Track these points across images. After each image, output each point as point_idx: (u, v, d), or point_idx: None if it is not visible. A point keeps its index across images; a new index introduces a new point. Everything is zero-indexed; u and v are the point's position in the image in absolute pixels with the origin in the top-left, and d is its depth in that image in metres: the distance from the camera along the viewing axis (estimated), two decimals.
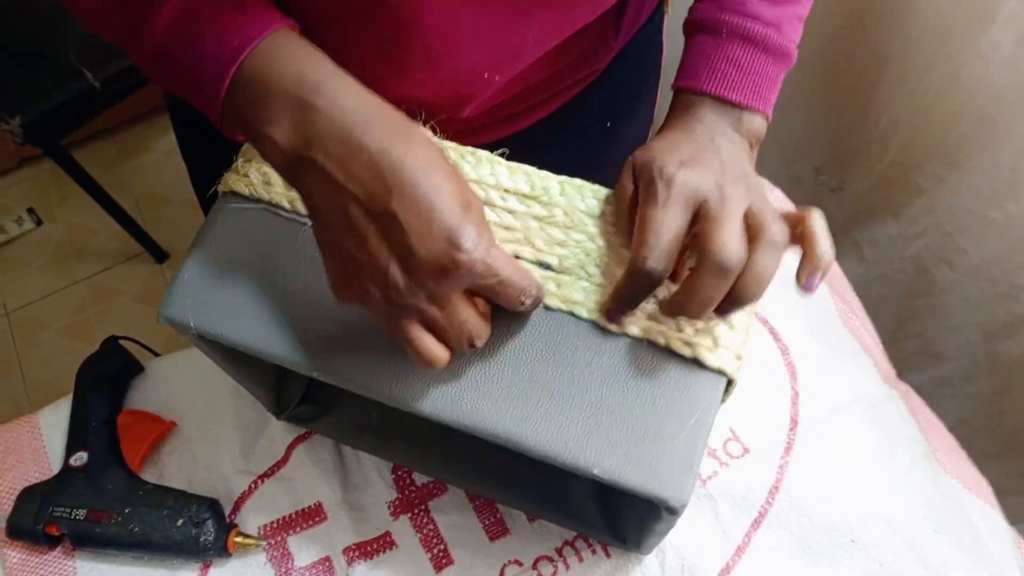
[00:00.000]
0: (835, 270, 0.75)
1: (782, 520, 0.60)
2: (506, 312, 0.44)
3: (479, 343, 0.41)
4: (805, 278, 0.43)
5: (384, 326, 0.40)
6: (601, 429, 0.41)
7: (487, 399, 0.42)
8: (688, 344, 0.43)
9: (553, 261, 0.46)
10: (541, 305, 0.44)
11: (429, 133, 0.43)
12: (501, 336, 0.44)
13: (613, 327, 0.44)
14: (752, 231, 0.42)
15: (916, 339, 0.91)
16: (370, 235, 0.37)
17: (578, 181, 0.48)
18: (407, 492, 0.63)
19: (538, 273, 0.45)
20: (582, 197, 0.48)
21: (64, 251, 1.77)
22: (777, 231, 0.42)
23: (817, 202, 0.99)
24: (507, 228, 0.47)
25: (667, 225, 0.42)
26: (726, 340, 0.44)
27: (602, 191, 0.48)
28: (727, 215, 0.41)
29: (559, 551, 0.60)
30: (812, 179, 1.00)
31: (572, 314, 0.44)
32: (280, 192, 0.48)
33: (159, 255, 1.70)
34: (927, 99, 0.79)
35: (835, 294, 0.72)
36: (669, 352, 0.43)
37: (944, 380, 0.90)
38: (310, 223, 0.46)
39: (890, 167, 0.87)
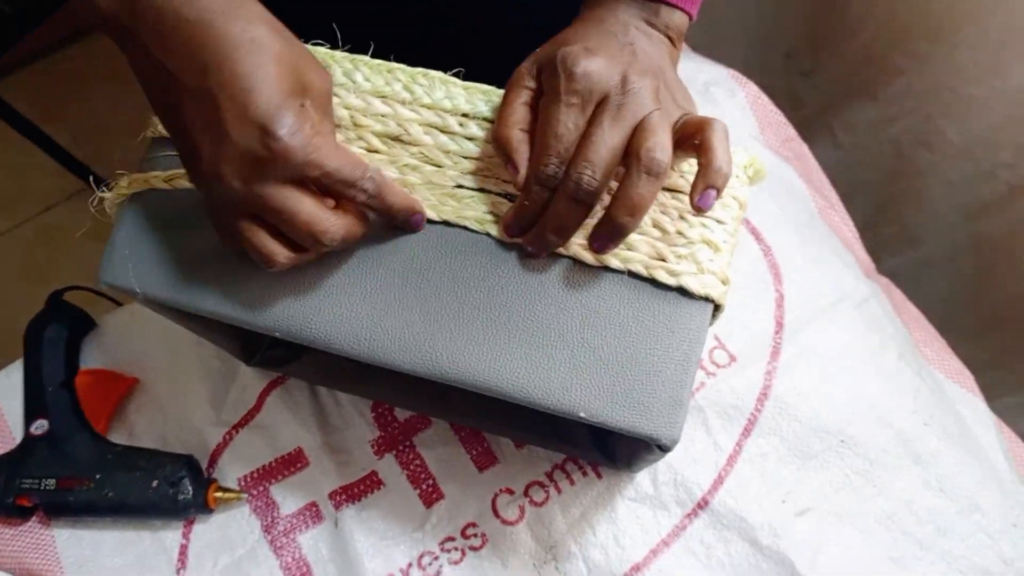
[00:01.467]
0: (811, 163, 0.72)
1: (772, 426, 0.59)
2: (474, 254, 0.41)
3: (327, 239, 0.38)
4: (699, 196, 0.37)
5: (218, 223, 0.38)
6: (584, 369, 0.39)
7: (462, 347, 0.40)
8: (672, 273, 0.40)
9: None
10: (513, 243, 0.41)
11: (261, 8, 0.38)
12: (472, 279, 0.41)
13: (590, 259, 0.41)
14: (632, 146, 0.38)
15: (894, 224, 0.89)
16: (187, 116, 0.35)
17: None
18: (390, 429, 0.61)
19: (507, 207, 0.42)
20: None
21: (5, 192, 1.68)
22: (658, 153, 0.37)
23: (789, 88, 0.96)
24: (468, 157, 0.43)
25: (570, 126, 0.38)
26: (711, 264, 0.41)
27: None
28: (622, 117, 0.38)
29: (549, 476, 0.59)
30: (782, 64, 0.95)
31: None
32: None
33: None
34: None
35: (813, 189, 0.70)
36: (652, 283, 0.41)
37: (923, 262, 0.90)
38: None
39: (866, 46, 0.83)
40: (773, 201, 0.67)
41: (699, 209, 0.38)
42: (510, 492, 0.59)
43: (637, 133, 0.38)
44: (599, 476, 0.59)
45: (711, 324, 0.42)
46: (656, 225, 0.41)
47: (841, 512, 0.58)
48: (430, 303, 0.40)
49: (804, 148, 0.71)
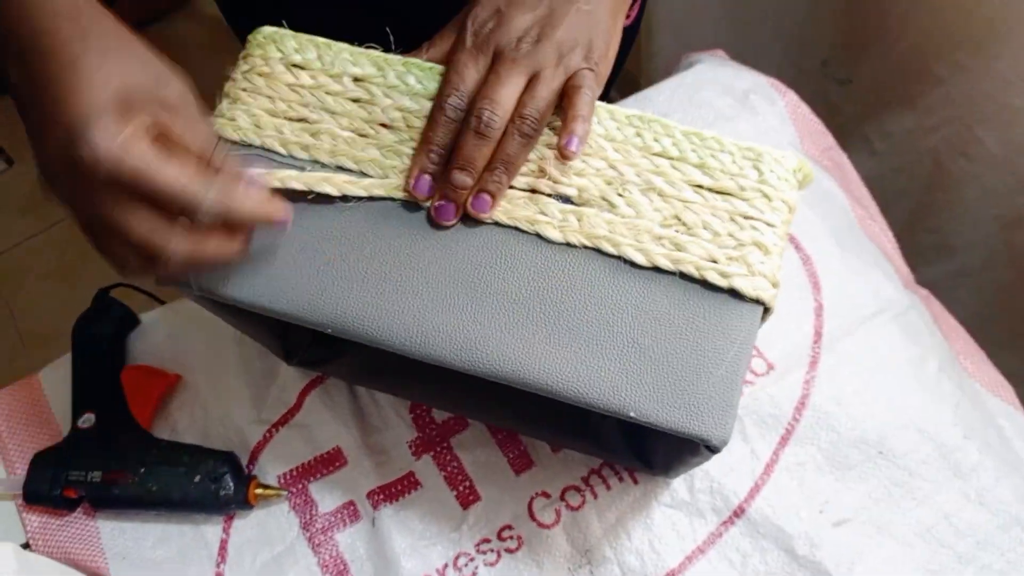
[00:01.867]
0: (850, 173, 0.72)
1: (810, 436, 0.59)
2: (525, 254, 0.41)
3: (169, 260, 0.36)
4: (564, 140, 0.41)
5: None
6: (634, 369, 0.39)
7: (512, 346, 0.40)
8: (723, 275, 0.40)
9: (572, 192, 0.43)
10: (564, 243, 0.42)
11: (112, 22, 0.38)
12: (522, 279, 0.41)
13: (641, 259, 0.41)
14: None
15: (931, 233, 0.89)
16: (30, 128, 0.36)
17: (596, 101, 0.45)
18: (428, 430, 0.61)
19: (557, 208, 0.42)
20: (598, 120, 0.44)
21: (39, 192, 1.71)
22: (528, 110, 0.41)
23: (824, 96, 0.96)
24: None
25: (471, 68, 0.42)
26: (762, 267, 0.41)
27: (620, 112, 0.44)
28: (517, 68, 0.41)
29: (586, 480, 0.59)
30: (819, 72, 0.95)
31: (597, 250, 0.42)
32: (272, 135, 0.44)
33: None
34: None
35: (852, 198, 0.70)
36: (702, 284, 0.41)
37: (959, 272, 0.89)
38: (308, 167, 0.43)
39: (905, 56, 0.83)
40: (812, 210, 0.67)
41: (564, 153, 0.41)
42: (546, 496, 0.59)
43: (525, 89, 0.42)
44: (635, 481, 0.59)
45: (759, 327, 0.42)
46: (707, 227, 0.42)
47: (879, 523, 0.57)
48: (481, 302, 0.41)
49: (843, 157, 0.71)
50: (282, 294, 0.41)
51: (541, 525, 0.58)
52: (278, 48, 0.45)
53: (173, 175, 0.35)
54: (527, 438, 0.61)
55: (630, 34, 0.74)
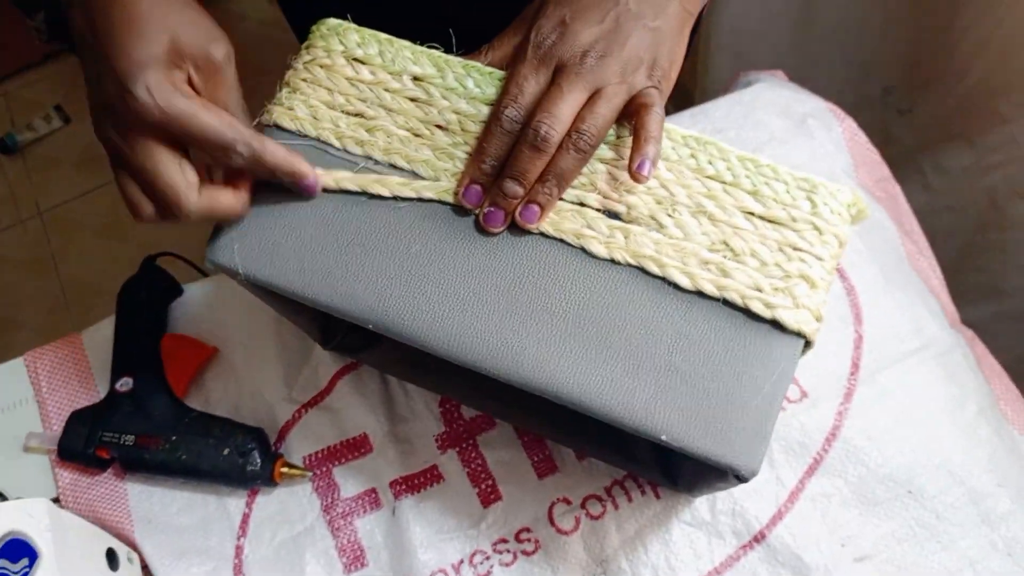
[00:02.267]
0: (902, 205, 0.70)
1: (838, 468, 0.59)
2: (569, 267, 0.41)
3: (182, 211, 0.40)
4: (635, 164, 0.41)
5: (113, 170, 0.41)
6: (670, 393, 0.39)
7: (549, 357, 0.40)
8: (768, 305, 0.40)
9: (621, 209, 0.43)
10: (609, 260, 0.42)
11: None
12: (564, 293, 0.41)
13: (686, 282, 0.41)
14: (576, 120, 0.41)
15: (979, 273, 0.87)
16: (87, 71, 0.40)
17: None
18: (455, 426, 0.62)
19: (605, 224, 0.42)
20: None
21: (94, 150, 1.75)
22: (587, 125, 0.41)
23: (884, 124, 0.94)
24: None
25: (531, 80, 0.42)
26: (807, 300, 0.41)
27: (676, 131, 0.44)
28: (579, 83, 0.41)
29: (608, 490, 0.59)
30: (880, 100, 0.93)
31: (642, 269, 0.41)
32: (328, 128, 0.44)
33: None
34: (1021, 20, 0.72)
35: (903, 232, 0.68)
36: (745, 312, 0.41)
37: (1005, 316, 0.87)
38: (361, 163, 0.43)
39: (970, 91, 0.81)
40: (861, 240, 0.66)
41: (635, 176, 0.40)
42: (567, 502, 0.59)
43: (585, 104, 0.42)
44: (657, 496, 0.59)
45: (799, 359, 0.41)
46: (755, 255, 0.41)
47: (901, 564, 0.56)
48: (521, 311, 0.41)
49: (897, 189, 0.70)
50: (327, 286, 0.42)
51: (560, 531, 0.58)
52: (341, 41, 0.46)
53: (212, 121, 0.39)
54: (553, 443, 0.61)
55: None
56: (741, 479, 0.39)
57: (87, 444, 0.58)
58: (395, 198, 0.43)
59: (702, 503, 0.58)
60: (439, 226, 0.43)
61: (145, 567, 0.58)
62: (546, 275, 0.41)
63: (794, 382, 0.61)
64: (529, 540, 0.58)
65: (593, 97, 0.41)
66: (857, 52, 0.93)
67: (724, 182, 0.43)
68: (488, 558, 0.58)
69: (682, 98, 1.14)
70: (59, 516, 0.49)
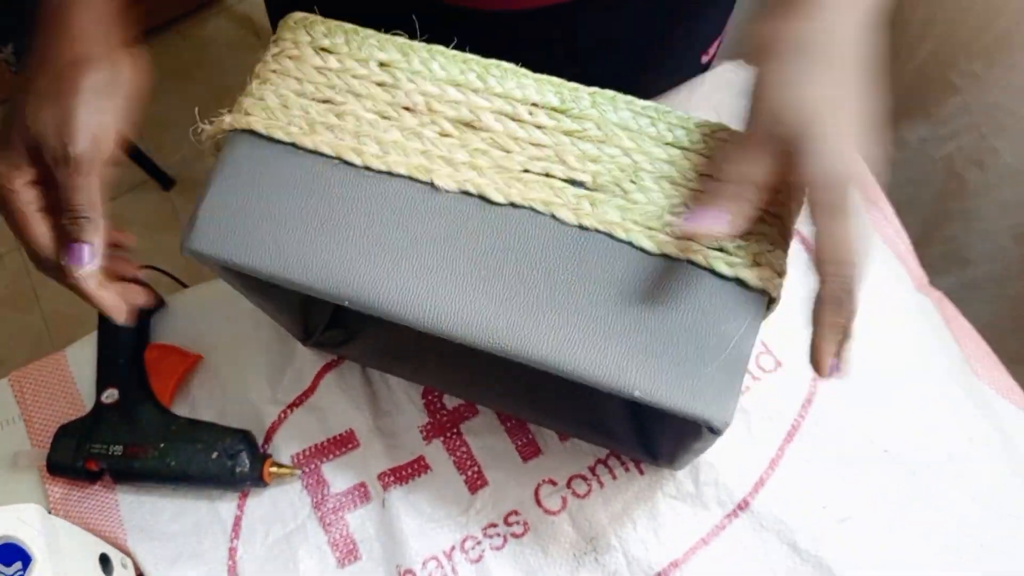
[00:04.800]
0: (867, 175, 0.72)
1: (815, 433, 0.60)
2: (539, 234, 0.42)
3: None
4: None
5: None
6: (640, 350, 0.41)
7: (522, 322, 0.41)
8: (730, 264, 0.42)
9: (586, 179, 0.44)
10: (577, 226, 0.43)
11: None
12: (534, 258, 0.43)
13: (651, 246, 0.42)
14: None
15: (945, 243, 0.89)
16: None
17: (609, 92, 0.46)
18: (438, 416, 0.63)
19: (571, 193, 0.44)
20: (615, 109, 0.45)
21: None
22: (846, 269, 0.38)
23: None
24: (536, 144, 0.45)
25: (744, 171, 0.38)
26: (768, 258, 0.42)
27: (636, 102, 0.46)
28: (844, 215, 0.36)
29: (592, 470, 0.60)
30: None
31: (609, 235, 0.43)
32: (298, 115, 0.45)
33: (165, 182, 1.67)
34: None
35: (867, 200, 0.70)
36: (710, 272, 0.42)
37: (972, 284, 0.89)
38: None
39: (922, 65, 0.83)
40: None
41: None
42: (553, 483, 0.60)
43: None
44: (641, 472, 0.60)
45: (765, 316, 0.43)
46: None
47: (883, 522, 0.58)
48: (494, 279, 0.42)
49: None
50: (302, 265, 0.43)
51: (547, 512, 0.59)
52: (308, 32, 0.47)
53: (37, 235, 0.44)
54: (535, 426, 0.62)
55: (705, 68, 0.75)
56: (714, 431, 0.40)
57: (76, 457, 0.59)
58: (367, 168, 0.44)
59: (685, 476, 0.59)
60: (409, 201, 0.44)
61: (140, 574, 0.58)
62: (517, 243, 0.43)
63: (769, 352, 0.63)
64: (518, 523, 0.59)
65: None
66: None
67: (683, 148, 0.44)
68: (479, 543, 0.59)
69: None
70: (52, 521, 0.50)
